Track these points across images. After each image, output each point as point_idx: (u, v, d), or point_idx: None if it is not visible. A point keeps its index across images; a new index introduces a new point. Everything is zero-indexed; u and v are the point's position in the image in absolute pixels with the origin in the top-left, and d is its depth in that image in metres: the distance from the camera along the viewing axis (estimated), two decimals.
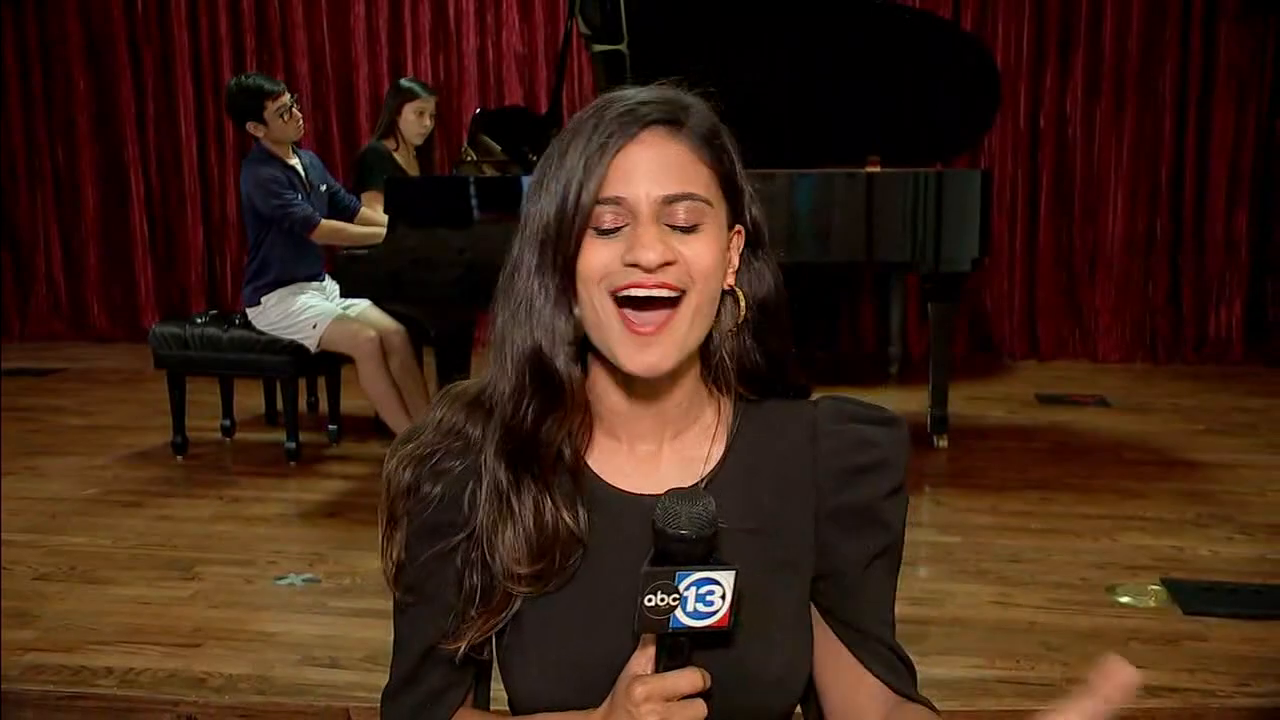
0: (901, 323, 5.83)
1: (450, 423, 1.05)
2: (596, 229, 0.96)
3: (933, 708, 1.05)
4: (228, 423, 4.51)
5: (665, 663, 0.93)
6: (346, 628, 2.80)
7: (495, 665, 1.09)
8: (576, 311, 0.98)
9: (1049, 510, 3.59)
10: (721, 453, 1.05)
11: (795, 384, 1.08)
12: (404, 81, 4.77)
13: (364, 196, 4.46)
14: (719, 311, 1.01)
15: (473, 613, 1.01)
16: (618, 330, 0.96)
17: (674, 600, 0.88)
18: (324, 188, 4.33)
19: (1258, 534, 3.37)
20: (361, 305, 4.20)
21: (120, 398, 5.36)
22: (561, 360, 0.99)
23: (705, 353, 1.03)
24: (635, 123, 0.96)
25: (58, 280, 6.93)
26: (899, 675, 1.05)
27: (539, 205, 0.98)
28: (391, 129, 4.61)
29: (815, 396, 1.10)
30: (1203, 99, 5.75)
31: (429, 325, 4.00)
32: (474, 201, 3.76)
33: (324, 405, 4.68)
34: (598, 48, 4.52)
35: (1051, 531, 3.40)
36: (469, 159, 4.27)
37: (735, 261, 1.03)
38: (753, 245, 1.04)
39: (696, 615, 0.89)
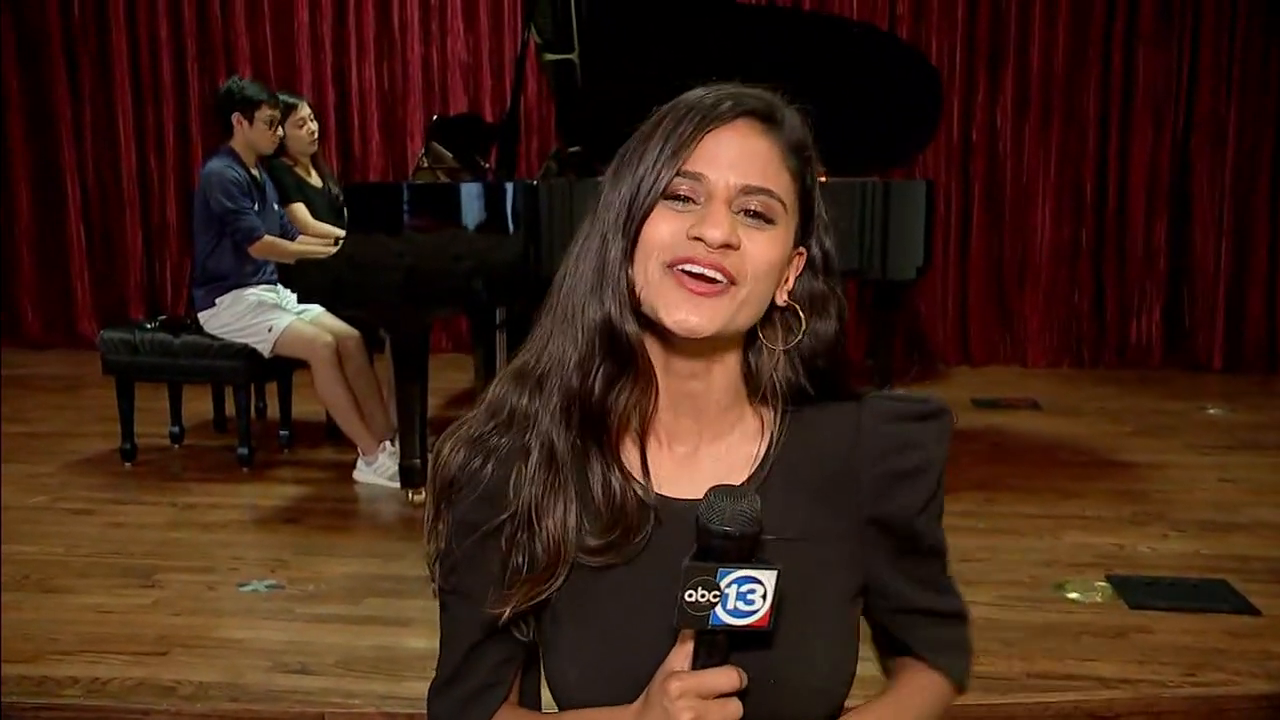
0: None
1: (498, 400, 1.04)
2: (671, 196, 0.96)
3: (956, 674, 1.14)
4: (177, 429, 4.40)
5: (703, 660, 0.92)
6: (314, 633, 2.76)
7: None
8: (631, 274, 0.98)
9: (993, 510, 3.66)
10: (761, 458, 1.03)
11: (845, 386, 1.07)
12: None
13: (288, 210, 4.39)
14: (772, 323, 1.01)
15: (520, 579, 1.00)
16: (671, 287, 0.95)
17: (715, 597, 0.88)
18: (276, 206, 4.27)
19: (1189, 530, 3.48)
20: (316, 310, 4.14)
21: (59, 404, 5.21)
22: (631, 326, 0.98)
23: (750, 364, 1.03)
24: (733, 109, 0.97)
25: None
26: (936, 648, 1.12)
27: (620, 186, 0.99)
28: (282, 148, 4.39)
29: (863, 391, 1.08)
30: (1123, 116, 5.93)
31: (385, 331, 3.95)
32: (423, 208, 3.74)
33: (273, 410, 4.60)
34: (549, 56, 4.51)
35: (997, 531, 3.47)
36: (424, 165, 4.24)
37: (791, 280, 1.02)
38: (816, 272, 1.03)
39: (737, 614, 0.89)
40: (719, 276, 0.95)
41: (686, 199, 0.96)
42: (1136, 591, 2.96)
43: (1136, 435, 4.65)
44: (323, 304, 4.04)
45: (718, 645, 0.92)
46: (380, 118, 6.34)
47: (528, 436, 1.02)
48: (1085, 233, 6.03)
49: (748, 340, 1.02)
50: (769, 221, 0.97)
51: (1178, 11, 5.79)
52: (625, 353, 0.98)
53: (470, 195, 3.67)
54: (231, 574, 3.13)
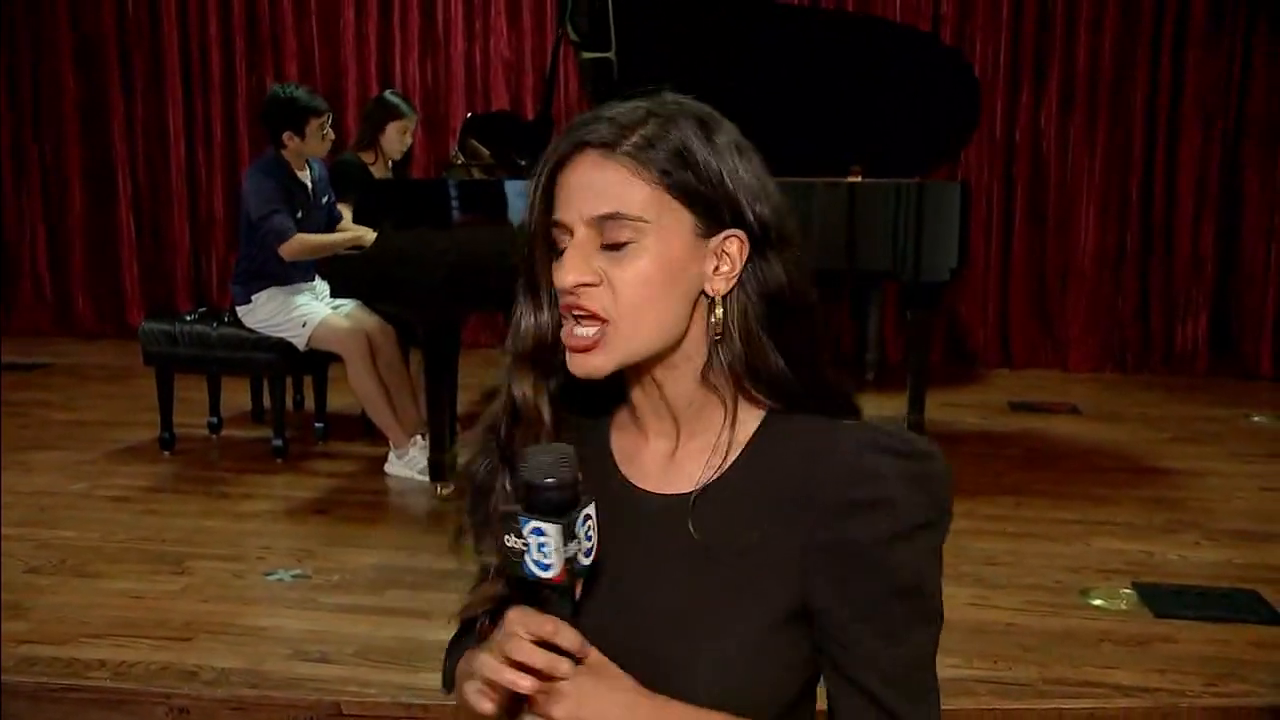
0: (879, 330, 5.87)
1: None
2: (551, 246, 1.02)
3: None
4: (215, 420, 4.48)
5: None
6: (336, 623, 2.80)
7: None
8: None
9: (1023, 515, 3.63)
10: (722, 463, 1.02)
11: (838, 398, 1.03)
12: (391, 97, 4.67)
13: (340, 206, 4.44)
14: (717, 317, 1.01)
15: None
16: (566, 334, 1.00)
17: (522, 545, 0.88)
18: (325, 200, 4.31)
19: (1223, 540, 3.42)
20: (350, 305, 4.19)
21: (107, 393, 5.33)
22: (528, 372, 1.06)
23: (718, 359, 1.01)
24: (572, 146, 0.99)
25: (43, 276, 6.88)
26: None
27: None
28: (372, 142, 4.54)
29: (861, 420, 1.03)
30: (1171, 117, 5.83)
31: (417, 325, 4.00)
32: (458, 204, 3.78)
33: (310, 403, 4.67)
34: (586, 55, 4.54)
35: (1026, 535, 3.44)
36: (459, 162, 4.27)
37: (727, 267, 1.00)
38: (761, 245, 1.00)
39: (541, 566, 0.89)
40: (588, 323, 0.98)
41: (560, 250, 1.00)
42: (1163, 600, 2.92)
43: (1176, 442, 4.57)
44: (357, 298, 4.10)
45: (544, 601, 0.91)
46: (423, 114, 6.38)
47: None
48: (1130, 236, 5.93)
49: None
50: (628, 243, 0.97)
51: (1229, 11, 5.68)
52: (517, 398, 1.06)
53: (507, 191, 3.71)
54: (259, 563, 3.19)
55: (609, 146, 0.97)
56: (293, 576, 3.09)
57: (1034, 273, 6.05)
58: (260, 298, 4.14)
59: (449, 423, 3.79)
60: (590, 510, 0.92)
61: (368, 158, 4.54)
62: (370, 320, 4.15)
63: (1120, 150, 5.88)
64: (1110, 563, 3.21)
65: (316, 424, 4.46)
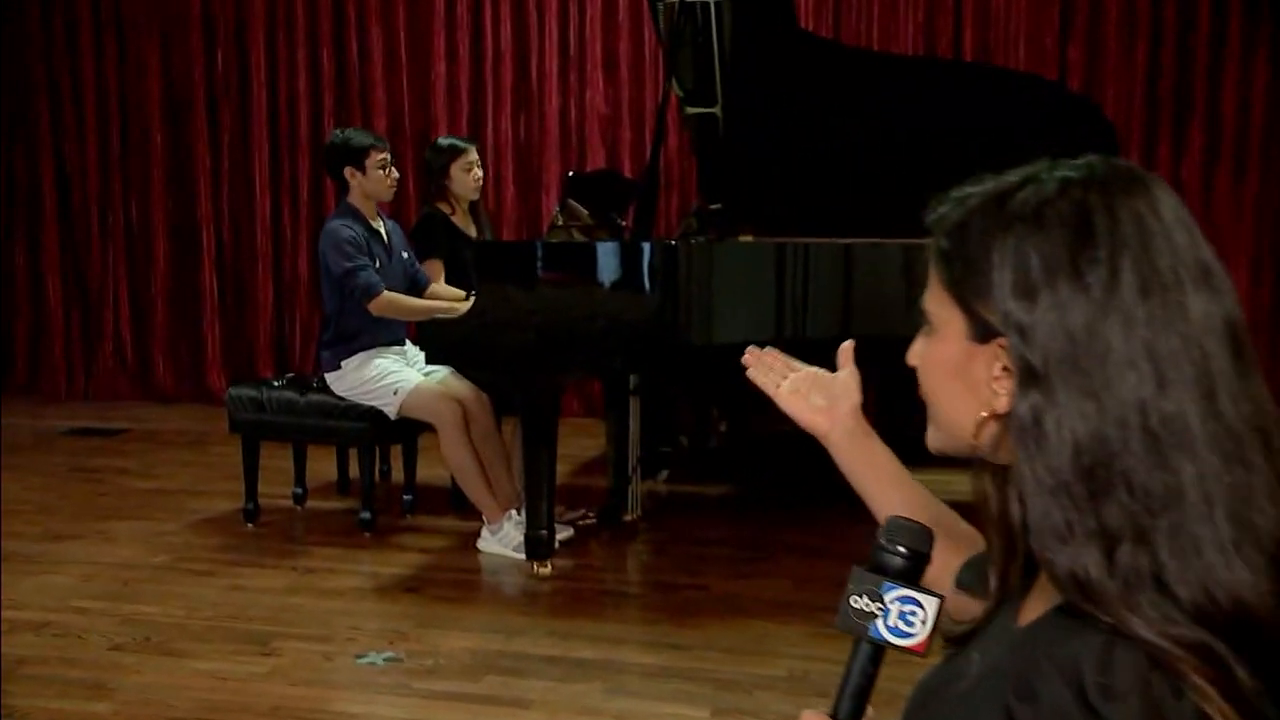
0: None
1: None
2: None
3: None
4: (300, 490, 4.58)
5: (856, 674, 0.97)
6: (431, 710, 2.82)
7: None
8: None
9: None
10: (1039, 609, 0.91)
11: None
12: (441, 140, 4.76)
13: (425, 266, 4.52)
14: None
15: None
16: None
17: (878, 609, 0.94)
18: (405, 255, 4.41)
19: None
20: (443, 372, 4.26)
21: (186, 460, 5.48)
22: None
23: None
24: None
25: (125, 338, 7.14)
26: None
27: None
28: (442, 191, 4.60)
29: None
30: None
31: (514, 393, 4.05)
32: (555, 267, 3.83)
33: (398, 474, 4.75)
34: (691, 110, 4.61)
35: None
36: (559, 224, 4.35)
37: (995, 385, 0.90)
38: (1031, 374, 0.86)
39: (896, 632, 0.94)
40: None
41: None
42: None
43: None
44: (451, 364, 4.17)
45: (871, 660, 0.97)
46: (516, 170, 6.55)
47: None
48: None
49: None
50: (928, 327, 0.99)
51: None
52: None
53: (605, 254, 3.75)
54: (349, 644, 3.23)
55: (930, 231, 1.02)
56: (385, 660, 3.12)
57: None
58: (350, 364, 4.23)
59: (547, 497, 3.82)
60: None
61: (444, 209, 4.61)
62: (464, 388, 4.21)
63: (1273, 203, 5.75)
64: None
65: (405, 496, 4.53)
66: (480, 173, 4.65)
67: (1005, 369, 0.89)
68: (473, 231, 4.68)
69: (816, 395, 1.36)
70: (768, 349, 1.46)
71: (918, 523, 0.97)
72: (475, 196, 4.65)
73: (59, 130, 7.11)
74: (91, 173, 7.10)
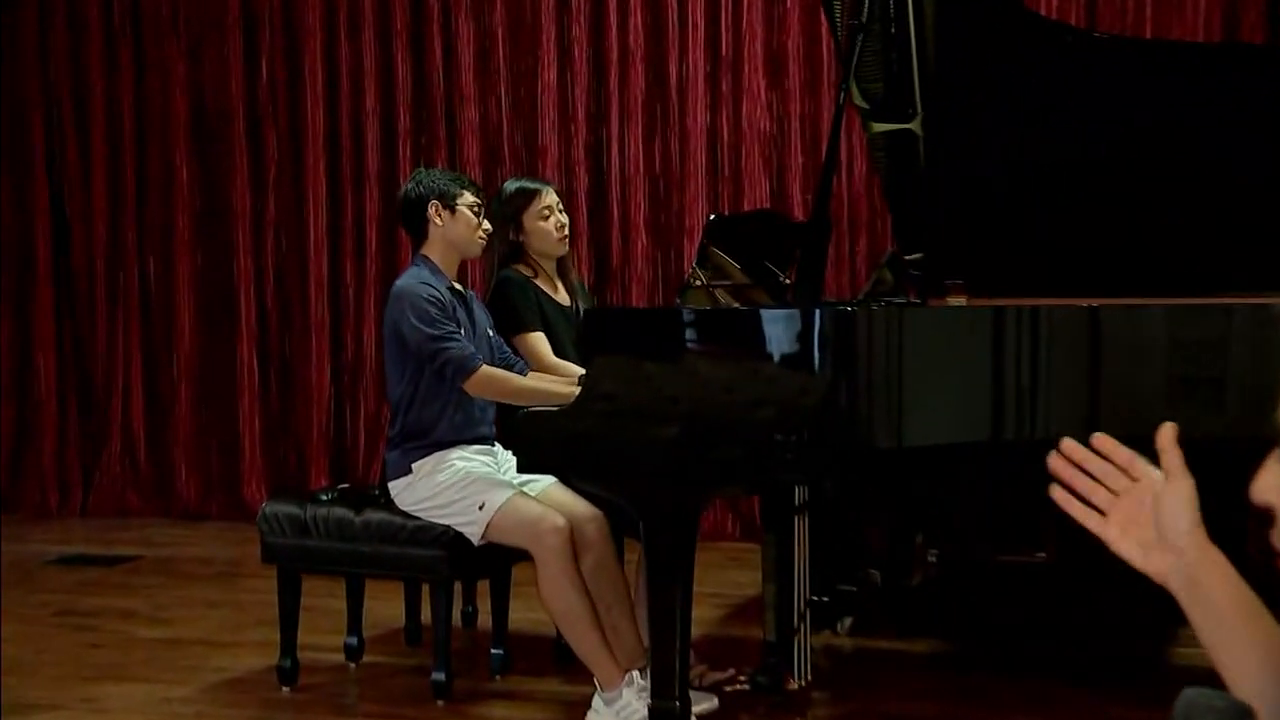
0: None
1: None
2: None
3: None
4: (354, 640, 4.64)
5: None
6: None
7: None
8: None
9: None
10: None
11: None
12: (508, 185, 4.78)
13: (516, 342, 4.54)
14: None
15: None
16: None
17: None
18: (491, 333, 4.48)
19: None
20: (545, 482, 4.29)
21: (211, 599, 5.61)
22: None
23: None
24: None
25: (137, 434, 7.36)
26: None
27: None
28: (517, 252, 4.64)
29: None
30: None
31: (636, 511, 4.05)
32: (696, 341, 3.82)
33: (484, 619, 4.77)
34: (878, 127, 4.60)
35: None
36: (697, 282, 4.36)
37: None
38: None
39: None
40: None
41: None
42: None
43: None
44: (553, 473, 4.19)
45: None
46: (648, 211, 6.60)
47: None
48: None
49: None
50: None
51: None
52: None
53: (758, 325, 3.74)
54: None
55: None
56: None
57: None
58: (424, 466, 4.28)
59: (681, 653, 3.79)
60: None
61: (525, 271, 4.64)
62: (573, 503, 4.22)
63: None
64: None
65: (493, 650, 4.54)
66: (564, 219, 4.69)
67: None
68: (563, 298, 4.72)
69: (1145, 525, 1.37)
70: (1099, 437, 1.42)
71: (1227, 699, 1.06)
72: (562, 251, 4.71)
73: (57, 164, 7.39)
74: (98, 219, 7.37)
